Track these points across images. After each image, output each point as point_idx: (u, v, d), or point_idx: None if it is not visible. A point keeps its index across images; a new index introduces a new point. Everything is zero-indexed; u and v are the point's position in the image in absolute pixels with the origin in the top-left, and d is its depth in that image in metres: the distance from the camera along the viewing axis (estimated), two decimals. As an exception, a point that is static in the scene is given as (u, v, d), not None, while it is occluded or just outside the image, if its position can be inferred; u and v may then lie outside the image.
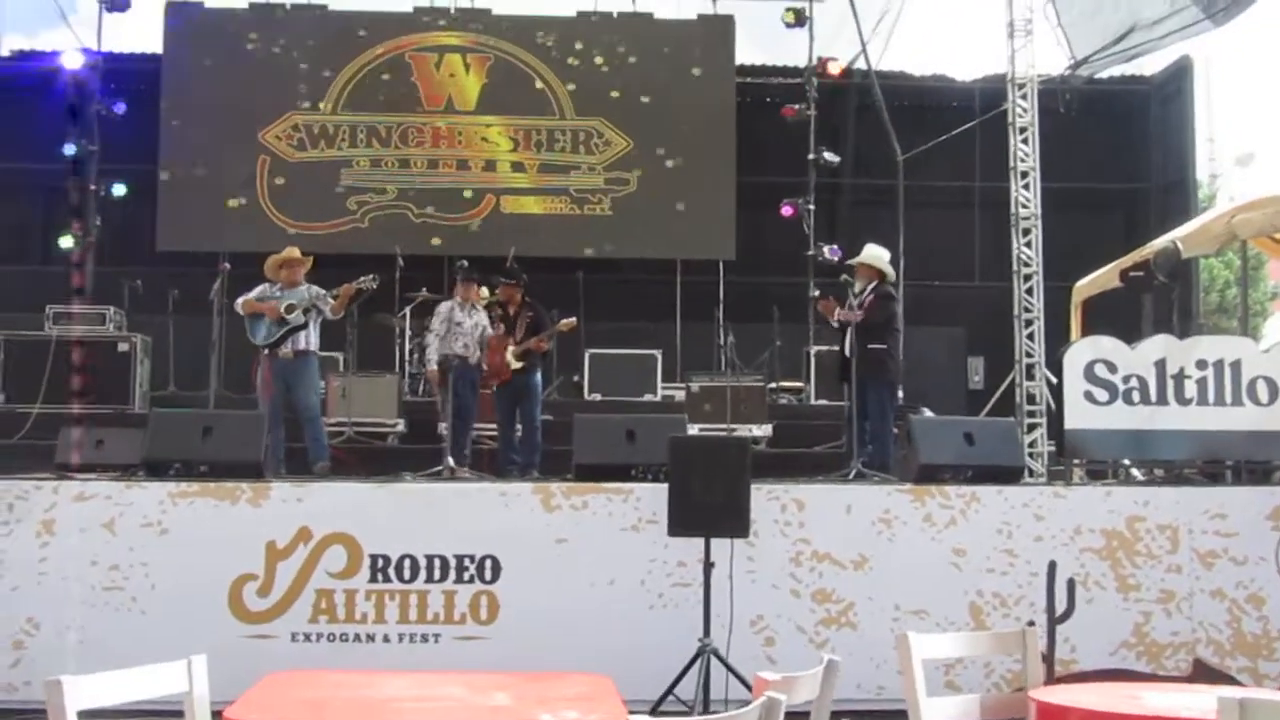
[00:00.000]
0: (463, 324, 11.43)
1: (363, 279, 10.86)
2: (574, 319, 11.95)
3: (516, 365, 11.50)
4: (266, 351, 10.75)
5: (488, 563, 8.01)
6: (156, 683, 3.69)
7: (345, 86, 18.26)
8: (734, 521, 7.41)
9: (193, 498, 7.98)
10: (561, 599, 7.96)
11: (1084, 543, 8.19)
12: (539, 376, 11.86)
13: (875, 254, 11.18)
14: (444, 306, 11.64)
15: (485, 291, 12.97)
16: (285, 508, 8.03)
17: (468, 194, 18.20)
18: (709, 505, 7.35)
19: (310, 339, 10.90)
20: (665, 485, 7.52)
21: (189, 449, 8.42)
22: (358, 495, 8.24)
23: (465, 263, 11.72)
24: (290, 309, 10.71)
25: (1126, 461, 9.74)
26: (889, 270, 11.16)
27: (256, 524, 7.97)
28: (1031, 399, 15.19)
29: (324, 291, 10.91)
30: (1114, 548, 8.19)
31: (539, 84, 18.43)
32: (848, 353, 10.68)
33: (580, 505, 8.09)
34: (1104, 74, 17.14)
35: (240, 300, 10.97)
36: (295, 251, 11.18)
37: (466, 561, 8.00)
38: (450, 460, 10.04)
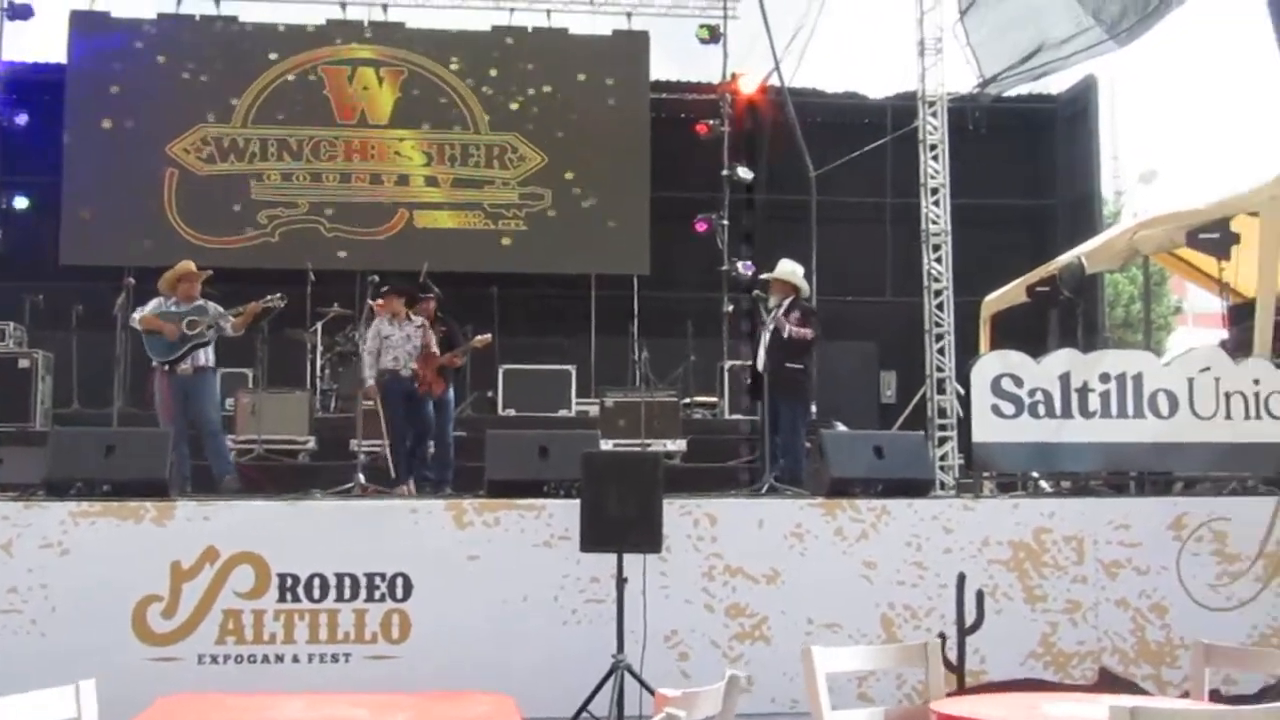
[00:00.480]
0: (392, 337, 11.31)
1: (270, 298, 10.74)
2: (488, 335, 11.92)
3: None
4: (166, 368, 10.57)
5: (399, 581, 7.94)
6: (42, 710, 3.58)
7: (256, 99, 18.03)
8: (647, 537, 7.40)
9: (95, 518, 7.83)
10: (474, 617, 7.92)
11: (992, 554, 8.30)
12: (451, 393, 11.77)
13: (789, 269, 11.23)
14: (375, 323, 11.45)
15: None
16: (190, 527, 7.91)
17: (381, 208, 18.06)
18: (622, 521, 7.34)
19: (209, 356, 10.77)
20: (578, 501, 7.50)
21: (91, 468, 8.26)
22: (265, 513, 8.13)
23: (376, 278, 11.60)
24: (193, 324, 10.56)
25: (1035, 474, 9.87)
26: (803, 285, 11.22)
27: (161, 544, 7.84)
28: (943, 412, 15.31)
29: (223, 310, 10.77)
30: (1021, 559, 8.30)
31: (453, 98, 18.34)
32: (760, 368, 10.72)
33: (493, 522, 8.06)
34: (1012, 92, 17.34)
35: (137, 316, 10.77)
36: (191, 266, 10.99)
37: (377, 580, 7.93)
38: (361, 477, 9.96)
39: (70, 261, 17.18)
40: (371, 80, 18.30)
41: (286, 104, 18.11)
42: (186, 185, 17.77)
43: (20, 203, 16.78)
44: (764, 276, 11.72)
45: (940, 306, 15.64)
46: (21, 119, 16.68)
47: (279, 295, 10.85)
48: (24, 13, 16.96)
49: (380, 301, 13.24)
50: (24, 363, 13.81)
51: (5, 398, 13.48)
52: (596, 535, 7.39)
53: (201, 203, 17.76)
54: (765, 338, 10.84)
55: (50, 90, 17.72)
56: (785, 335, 10.66)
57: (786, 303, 10.97)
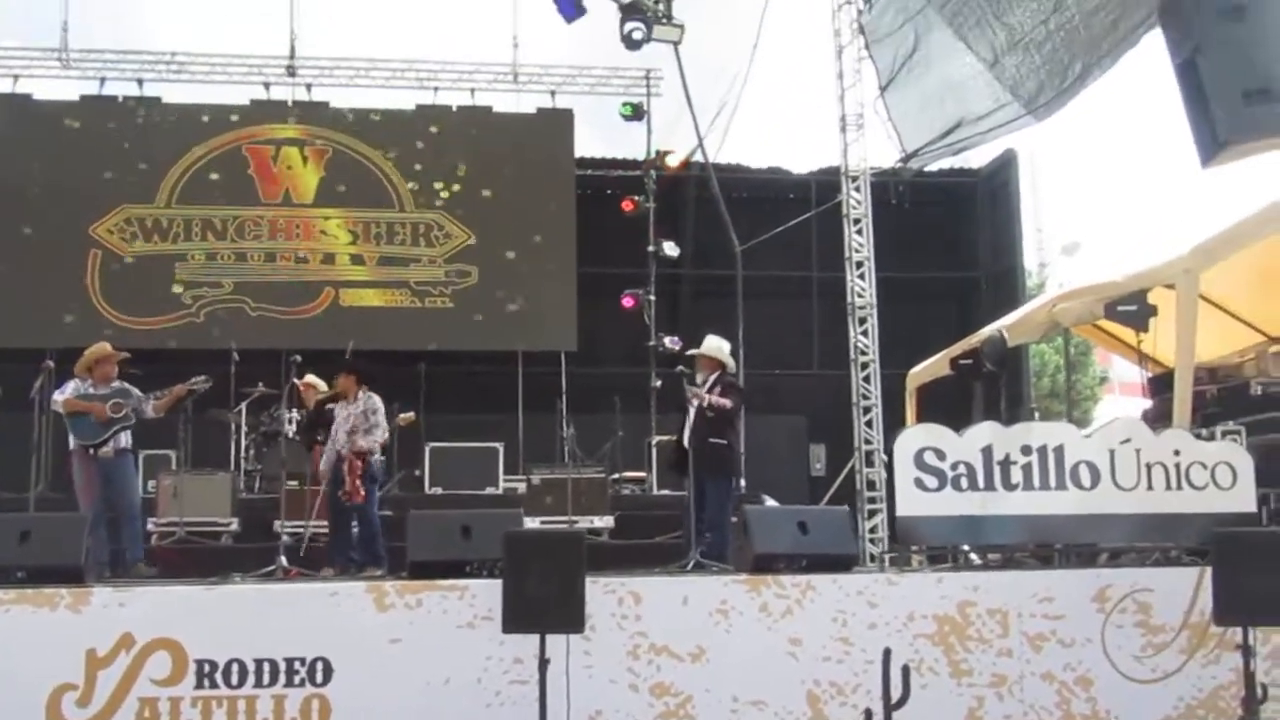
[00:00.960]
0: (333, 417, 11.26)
1: (195, 380, 10.64)
2: (413, 413, 11.86)
3: (352, 460, 11.25)
4: (90, 451, 10.42)
5: (319, 665, 7.80)
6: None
7: (180, 179, 18.01)
8: (569, 616, 7.35)
9: (8, 605, 7.66)
10: (396, 700, 7.79)
11: (917, 629, 8.29)
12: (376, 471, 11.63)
13: (715, 345, 11.24)
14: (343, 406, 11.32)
15: (321, 384, 12.80)
16: (106, 613, 7.74)
17: (307, 287, 18.05)
18: (544, 600, 7.28)
19: (128, 438, 10.66)
20: (500, 581, 7.43)
21: (5, 554, 8.06)
22: (183, 598, 7.98)
23: (299, 358, 11.51)
24: (118, 407, 10.44)
25: (966, 546, 9.89)
26: (729, 361, 11.23)
27: (76, 631, 7.66)
28: (871, 485, 15.41)
29: (142, 393, 10.65)
30: (946, 633, 8.29)
31: (378, 176, 18.38)
32: (685, 443, 10.71)
33: (414, 603, 7.95)
34: (934, 166, 17.66)
35: (60, 399, 10.61)
36: (108, 348, 10.86)
37: (297, 664, 7.79)
38: (283, 560, 9.81)
39: (-7, 344, 16.99)
40: (296, 159, 18.34)
41: (210, 184, 18.11)
42: (110, 266, 17.70)
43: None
44: (690, 353, 11.72)
45: (867, 379, 15.80)
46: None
47: (204, 378, 10.74)
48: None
49: (304, 382, 13.22)
50: (-63, 446, 13.50)
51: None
52: (518, 616, 7.32)
53: (125, 283, 17.70)
54: (691, 413, 10.83)
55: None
56: (705, 407, 10.65)
57: (712, 378, 10.97)
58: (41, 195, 17.60)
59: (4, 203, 17.44)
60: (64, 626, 7.67)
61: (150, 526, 12.46)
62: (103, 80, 18.03)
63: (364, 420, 11.15)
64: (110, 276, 17.68)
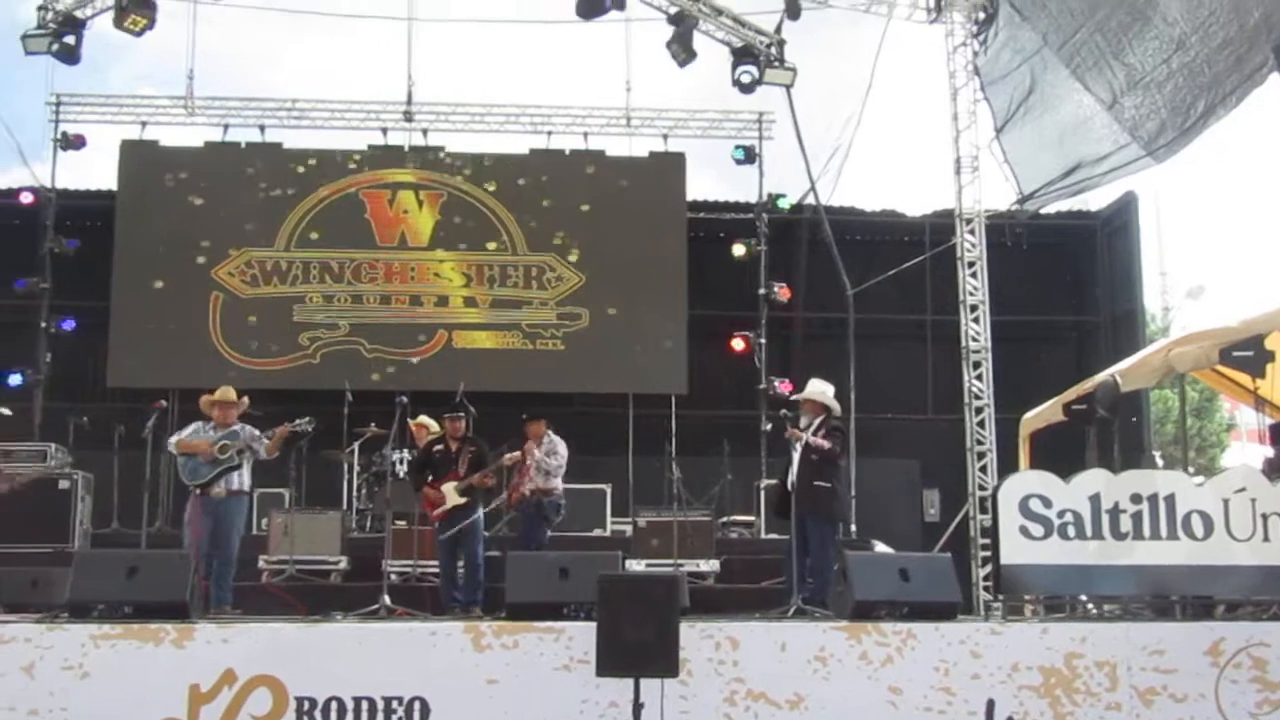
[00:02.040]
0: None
1: (299, 422, 10.78)
2: (517, 453, 11.88)
3: (458, 501, 11.35)
4: (199, 491, 10.63)
5: (416, 705, 7.86)
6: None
7: (299, 223, 18.34)
8: (664, 661, 7.31)
9: (115, 640, 7.83)
10: (491, 742, 7.81)
11: (1022, 680, 8.10)
12: (480, 513, 11.69)
13: (819, 389, 11.15)
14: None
15: (433, 425, 12.95)
16: (210, 649, 7.88)
17: (420, 329, 18.22)
18: (639, 644, 7.27)
19: (244, 479, 10.81)
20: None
21: (113, 589, 8.27)
22: (285, 636, 8.11)
23: (405, 399, 11.65)
24: (224, 449, 10.63)
25: (1083, 596, 9.65)
26: (834, 405, 11.12)
27: (180, 666, 7.82)
28: (985, 532, 15.13)
29: (258, 433, 10.85)
30: (1052, 685, 8.10)
31: (491, 220, 18.55)
32: (789, 486, 10.62)
33: (511, 645, 7.97)
34: (1051, 209, 17.40)
35: (173, 440, 10.88)
36: (230, 392, 11.10)
37: (394, 704, 7.86)
38: (387, 599, 9.89)
39: (117, 384, 17.59)
40: (411, 203, 18.58)
41: (328, 228, 18.40)
42: (231, 308, 18.06)
43: (69, 326, 17.08)
44: (794, 397, 11.67)
45: (982, 424, 15.57)
46: (72, 245, 17.09)
47: (308, 420, 10.90)
48: (76, 144, 17.53)
49: (417, 422, 13.40)
50: (64, 484, 13.90)
51: (45, 519, 13.54)
52: (613, 659, 7.30)
53: (245, 325, 18.03)
54: (795, 457, 10.74)
55: (100, 216, 18.25)
56: (811, 451, 10.55)
57: (817, 422, 10.87)
58: (166, 239, 18.01)
59: (131, 246, 17.88)
60: (168, 662, 7.83)
61: (261, 563, 12.68)
62: (226, 127, 18.42)
63: (549, 461, 12.12)
64: (230, 318, 18.02)
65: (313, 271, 18.25)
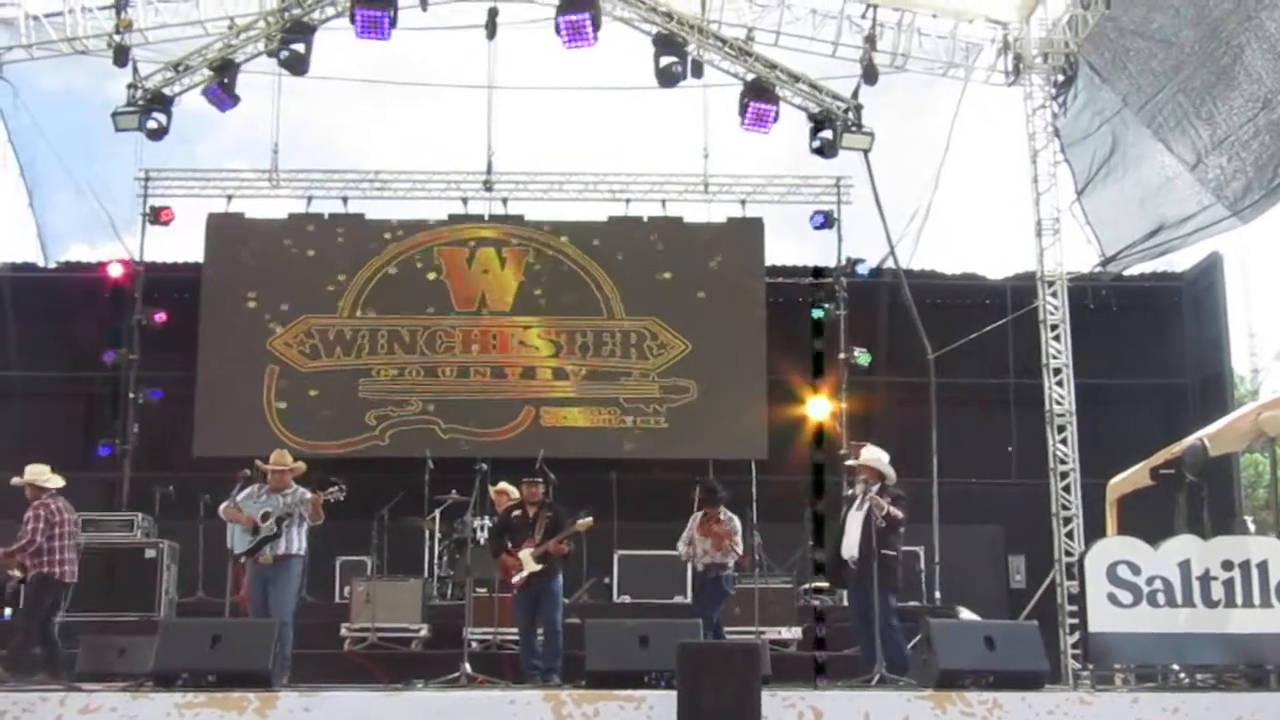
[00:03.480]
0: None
1: (330, 490, 10.63)
2: (590, 518, 11.80)
3: (535, 568, 11.31)
4: (242, 559, 10.73)
5: (497, 773, 7.84)
6: None
7: (366, 285, 17.69)
8: (745, 730, 7.23)
9: (199, 709, 7.91)
10: (572, 812, 7.76)
11: (1113, 751, 7.94)
12: (559, 580, 11.66)
13: (874, 455, 11.04)
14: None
15: (513, 491, 12.94)
16: (292, 718, 7.91)
17: (505, 405, 17.38)
18: (719, 713, 7.22)
19: (293, 543, 10.68)
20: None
21: (198, 658, 8.37)
22: (365, 704, 8.15)
23: (485, 465, 11.68)
24: (265, 516, 10.64)
25: (1176, 666, 9.44)
26: (889, 472, 10.97)
27: (262, 734, 7.85)
28: (1073, 599, 14.85)
29: (309, 496, 10.76)
30: (1145, 756, 7.92)
31: (584, 279, 17.79)
32: (844, 554, 10.52)
33: (592, 713, 7.95)
34: (1134, 270, 17.23)
35: (222, 507, 11.02)
36: (286, 457, 11.09)
37: (475, 772, 7.84)
38: (467, 666, 9.89)
39: (203, 453, 17.35)
40: (493, 262, 17.94)
41: (399, 290, 17.57)
42: (287, 382, 17.48)
43: (156, 397, 17.31)
44: (850, 463, 11.61)
45: (1067, 489, 15.34)
46: (159, 317, 17.35)
47: (338, 488, 10.67)
48: (165, 218, 17.92)
49: (497, 489, 13.40)
50: (150, 552, 14.10)
51: (131, 587, 13.72)
52: (693, 729, 7.23)
53: (302, 403, 17.32)
54: (852, 525, 10.64)
55: (186, 288, 18.42)
56: (880, 516, 10.41)
57: (875, 489, 10.72)
58: (245, 310, 17.94)
59: (215, 317, 17.94)
60: (252, 730, 7.87)
61: (343, 631, 12.74)
62: (309, 199, 18.48)
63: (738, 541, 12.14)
64: (288, 395, 17.43)
65: (380, 340, 17.48)
